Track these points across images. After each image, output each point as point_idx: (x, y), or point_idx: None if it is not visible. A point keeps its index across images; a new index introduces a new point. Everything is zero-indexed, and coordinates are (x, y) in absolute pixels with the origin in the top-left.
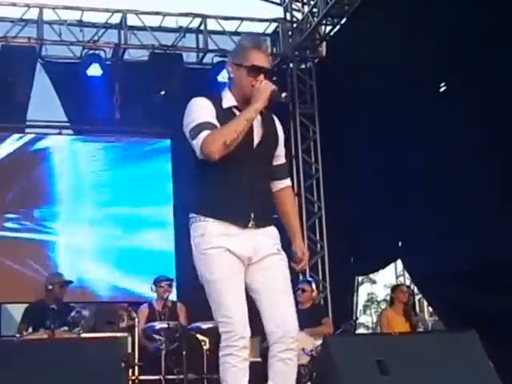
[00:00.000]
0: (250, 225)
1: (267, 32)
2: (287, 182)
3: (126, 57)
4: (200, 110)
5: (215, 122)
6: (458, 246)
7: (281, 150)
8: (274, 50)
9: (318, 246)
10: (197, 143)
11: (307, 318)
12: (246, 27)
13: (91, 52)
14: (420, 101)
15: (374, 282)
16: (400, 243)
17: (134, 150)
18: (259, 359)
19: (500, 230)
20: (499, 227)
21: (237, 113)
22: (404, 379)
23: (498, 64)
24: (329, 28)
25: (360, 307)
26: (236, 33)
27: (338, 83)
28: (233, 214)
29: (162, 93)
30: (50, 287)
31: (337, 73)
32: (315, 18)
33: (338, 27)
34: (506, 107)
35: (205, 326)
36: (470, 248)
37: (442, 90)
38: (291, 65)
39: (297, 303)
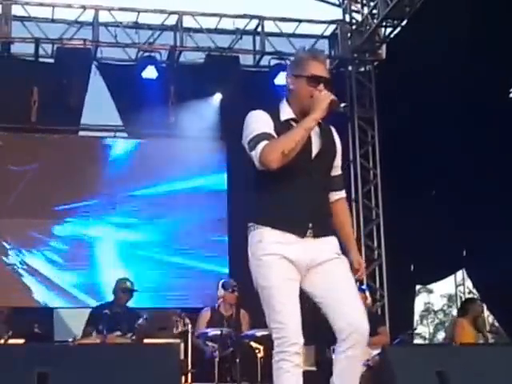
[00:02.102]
0: (308, 234)
1: (325, 34)
2: (342, 194)
3: (181, 59)
4: (258, 122)
5: (273, 133)
6: None
7: (338, 161)
8: (332, 52)
9: (376, 253)
10: (255, 153)
11: None
12: (304, 29)
13: (146, 54)
14: (486, 107)
15: (430, 291)
16: (465, 252)
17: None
18: (314, 368)
19: None
20: None
21: (294, 125)
22: None
23: None
24: (389, 30)
25: (416, 317)
26: (294, 35)
27: (397, 87)
28: (290, 223)
29: (218, 96)
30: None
31: (397, 76)
32: (375, 20)
33: (398, 29)
34: None
35: (259, 333)
36: None
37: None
38: (350, 68)
39: None
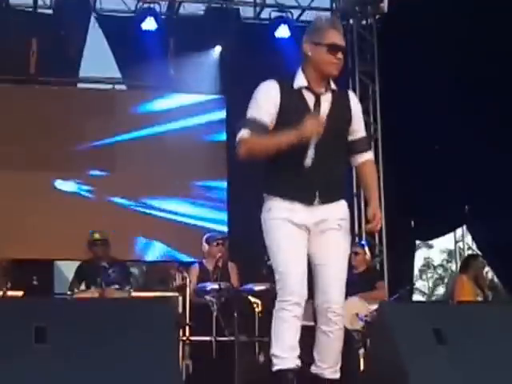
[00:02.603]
0: (315, 202)
1: None
2: (367, 156)
3: (181, 11)
4: (262, 100)
5: (266, 122)
6: None
7: (357, 125)
8: (334, 5)
9: None
10: (237, 134)
11: (361, 283)
12: None
13: (146, 5)
14: (489, 65)
15: (430, 246)
16: (467, 208)
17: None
18: (312, 323)
19: None
20: None
21: (305, 94)
22: (461, 349)
23: None
24: None
25: (416, 272)
26: None
27: (400, 41)
28: (298, 194)
29: (218, 48)
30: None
31: (399, 30)
32: None
33: None
34: None
35: (257, 287)
36: None
37: None
38: (351, 21)
39: (351, 267)
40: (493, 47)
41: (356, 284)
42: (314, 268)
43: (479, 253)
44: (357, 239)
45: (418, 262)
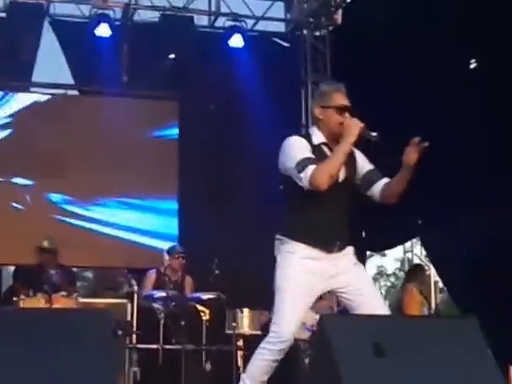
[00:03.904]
0: (334, 251)
1: None
2: (385, 180)
3: (135, 18)
4: (301, 147)
5: (315, 158)
6: (481, 228)
7: (362, 165)
8: (288, 15)
9: None
10: (305, 175)
11: None
12: None
13: (100, 11)
14: (446, 77)
15: (383, 254)
16: (420, 221)
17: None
18: (259, 332)
19: None
20: None
21: (325, 149)
22: (399, 362)
23: None
24: None
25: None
26: None
27: (352, 53)
28: (321, 242)
29: (172, 56)
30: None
31: (352, 42)
32: None
33: None
34: None
35: (205, 296)
36: (492, 232)
37: (472, 66)
38: (305, 31)
39: None
40: (446, 55)
41: None
42: (351, 303)
43: (430, 264)
44: None
45: (372, 270)
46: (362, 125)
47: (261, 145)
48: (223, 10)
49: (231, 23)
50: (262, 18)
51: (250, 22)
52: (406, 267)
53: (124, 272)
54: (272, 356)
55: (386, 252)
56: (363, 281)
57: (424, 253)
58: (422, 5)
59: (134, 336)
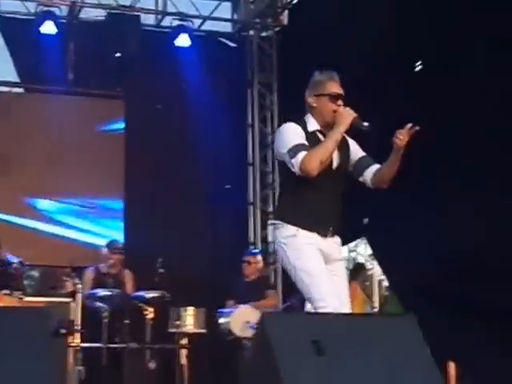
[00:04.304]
0: (328, 235)
1: None
2: (377, 165)
3: (82, 16)
4: (295, 134)
5: (308, 144)
6: (425, 227)
7: (355, 152)
8: (235, 15)
9: (271, 217)
10: (296, 161)
11: (252, 291)
12: None
13: (46, 9)
14: (390, 79)
15: None
16: (366, 220)
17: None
18: (204, 330)
19: (466, 220)
20: (466, 216)
21: (320, 136)
22: (339, 361)
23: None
24: None
25: None
26: None
27: (299, 54)
28: (317, 226)
29: (118, 55)
30: None
31: (298, 43)
32: None
33: None
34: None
35: (149, 295)
36: (437, 233)
37: (417, 69)
38: (251, 32)
39: (243, 276)
40: (395, 58)
41: (247, 293)
42: None
43: (374, 263)
44: (250, 247)
45: None
46: (354, 114)
47: (207, 144)
48: (170, 9)
49: (178, 22)
50: (209, 17)
51: (197, 22)
52: (349, 266)
53: (68, 271)
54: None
55: None
56: (343, 275)
57: (368, 252)
58: (368, 6)
59: (78, 335)
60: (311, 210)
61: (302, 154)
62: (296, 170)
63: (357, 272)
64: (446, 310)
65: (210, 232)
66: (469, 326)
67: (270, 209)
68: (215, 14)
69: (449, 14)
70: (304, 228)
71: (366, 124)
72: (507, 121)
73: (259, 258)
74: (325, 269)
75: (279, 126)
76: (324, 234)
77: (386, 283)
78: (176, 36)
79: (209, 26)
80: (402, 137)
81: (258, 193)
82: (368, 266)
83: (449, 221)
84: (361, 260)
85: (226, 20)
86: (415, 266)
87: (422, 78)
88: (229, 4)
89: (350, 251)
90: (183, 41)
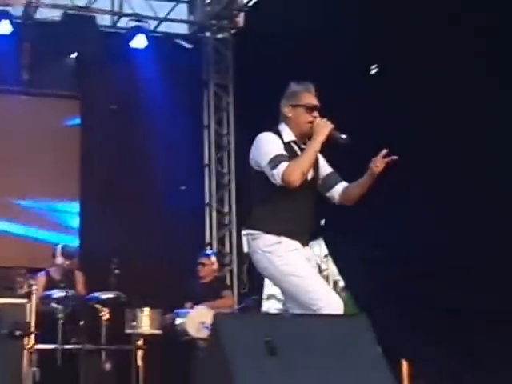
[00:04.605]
0: (304, 244)
1: None
2: (344, 183)
3: (37, 16)
4: (273, 143)
5: (287, 154)
6: (380, 229)
7: (326, 165)
8: (191, 17)
9: (227, 218)
10: (277, 173)
11: (207, 292)
12: None
13: (1, 8)
14: (344, 81)
15: None
16: (323, 221)
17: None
18: (159, 332)
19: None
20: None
21: (295, 147)
22: (292, 361)
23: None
24: None
25: None
26: None
27: (255, 56)
28: (298, 236)
29: (74, 55)
30: None
31: (255, 45)
32: None
33: None
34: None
35: (104, 296)
36: (393, 233)
37: (372, 72)
38: (207, 34)
39: (198, 277)
40: (350, 60)
41: (203, 293)
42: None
43: (331, 263)
44: (205, 249)
45: None
46: (332, 126)
47: (164, 145)
48: (126, 10)
49: (134, 23)
50: (165, 19)
51: (154, 23)
52: None
53: (23, 272)
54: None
55: None
56: None
57: (323, 253)
58: (323, 9)
59: (33, 336)
60: (291, 219)
61: (283, 165)
62: (278, 181)
63: None
64: (402, 309)
65: (167, 233)
66: (423, 326)
67: (226, 210)
68: (171, 16)
69: (406, 17)
70: (286, 236)
71: (344, 136)
72: (460, 123)
73: (214, 259)
74: (314, 270)
75: (235, 127)
76: (303, 243)
77: (341, 283)
78: (132, 37)
79: (165, 27)
80: (378, 164)
81: (214, 194)
82: (323, 266)
83: (404, 221)
84: (316, 261)
85: (182, 21)
86: (371, 267)
87: (377, 81)
88: (185, 6)
89: None
90: (139, 42)
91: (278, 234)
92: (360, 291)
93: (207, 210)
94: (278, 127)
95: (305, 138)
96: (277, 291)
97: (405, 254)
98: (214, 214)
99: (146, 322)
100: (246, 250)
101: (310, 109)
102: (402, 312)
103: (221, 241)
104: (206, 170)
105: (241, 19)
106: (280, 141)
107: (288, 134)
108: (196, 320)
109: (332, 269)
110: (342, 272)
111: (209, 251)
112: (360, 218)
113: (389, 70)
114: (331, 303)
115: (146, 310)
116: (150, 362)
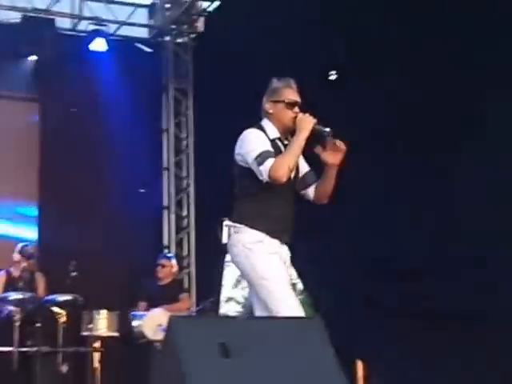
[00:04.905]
0: (282, 242)
1: (145, 3)
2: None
3: None
4: (258, 139)
5: (273, 151)
6: (341, 228)
7: (301, 162)
8: (152, 21)
9: (185, 221)
10: (264, 169)
11: (165, 295)
12: None
13: None
14: (304, 86)
15: None
16: None
17: None
18: (116, 334)
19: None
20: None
21: (279, 143)
22: (244, 362)
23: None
24: (206, 4)
25: (234, 281)
26: (113, 1)
27: (214, 60)
28: (280, 234)
29: (33, 57)
30: None
31: (214, 50)
32: None
33: (216, 3)
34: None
35: (61, 298)
36: (351, 233)
37: (332, 78)
38: (167, 38)
39: (157, 279)
40: (311, 66)
41: (160, 296)
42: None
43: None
44: (165, 251)
45: (236, 271)
46: (314, 120)
47: (123, 148)
48: (86, 13)
49: (94, 27)
50: (125, 23)
51: (113, 27)
52: None
53: None
54: None
55: None
56: (295, 280)
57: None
58: (284, 14)
59: None
60: (275, 216)
61: (269, 161)
62: (264, 177)
63: None
64: (358, 310)
65: (125, 235)
66: (379, 326)
67: (185, 213)
68: (131, 20)
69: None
70: (269, 234)
71: (327, 129)
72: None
73: (174, 261)
74: (286, 276)
75: (195, 131)
76: (283, 241)
77: (300, 286)
78: (92, 40)
79: (125, 31)
80: (331, 157)
81: (173, 197)
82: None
83: (362, 224)
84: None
85: (142, 25)
86: (329, 268)
87: (336, 87)
88: (145, 10)
89: None
90: (99, 45)
91: (261, 230)
92: (317, 293)
93: (166, 213)
94: (261, 123)
95: (287, 133)
96: (236, 294)
97: (367, 254)
98: (173, 216)
99: (103, 324)
100: (224, 240)
101: (291, 104)
102: (358, 312)
103: (179, 244)
104: (165, 173)
105: (200, 24)
106: (265, 137)
107: (272, 131)
108: (153, 322)
109: (290, 271)
110: (300, 274)
111: (170, 254)
112: (323, 218)
113: (350, 75)
114: (291, 309)
115: (103, 312)
116: (107, 365)
